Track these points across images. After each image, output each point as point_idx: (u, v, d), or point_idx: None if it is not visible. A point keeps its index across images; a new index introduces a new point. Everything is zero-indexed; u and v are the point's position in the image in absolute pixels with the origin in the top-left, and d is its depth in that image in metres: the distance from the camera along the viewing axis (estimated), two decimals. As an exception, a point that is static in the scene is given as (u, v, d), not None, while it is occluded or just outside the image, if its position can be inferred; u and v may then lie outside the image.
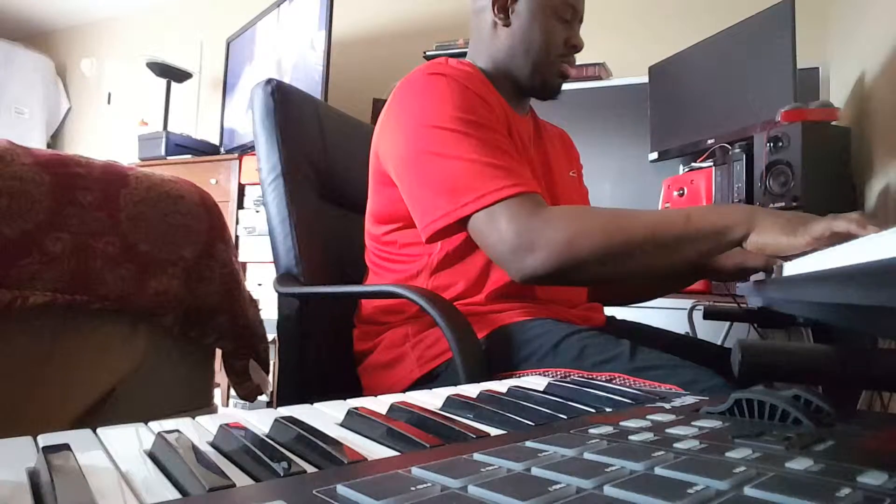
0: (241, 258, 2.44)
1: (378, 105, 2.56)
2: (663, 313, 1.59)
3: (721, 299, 1.51)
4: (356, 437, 0.35)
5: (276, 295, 1.04)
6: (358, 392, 0.98)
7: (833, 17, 2.02)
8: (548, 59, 0.99)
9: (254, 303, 1.17)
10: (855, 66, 1.65)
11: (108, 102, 3.93)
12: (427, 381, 0.89)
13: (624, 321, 1.13)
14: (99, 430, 0.33)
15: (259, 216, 2.63)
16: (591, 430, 0.34)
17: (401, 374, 0.91)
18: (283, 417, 0.34)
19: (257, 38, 2.96)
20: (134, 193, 0.96)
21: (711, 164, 1.69)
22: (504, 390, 0.47)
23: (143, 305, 0.95)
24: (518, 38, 0.98)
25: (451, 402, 0.43)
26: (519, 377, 0.73)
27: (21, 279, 0.82)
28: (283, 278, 1.04)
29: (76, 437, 0.31)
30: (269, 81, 1.09)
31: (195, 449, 0.28)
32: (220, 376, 1.23)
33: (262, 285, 2.47)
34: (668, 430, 0.33)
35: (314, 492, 0.24)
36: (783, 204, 1.36)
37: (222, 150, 3.06)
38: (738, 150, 1.55)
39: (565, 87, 1.05)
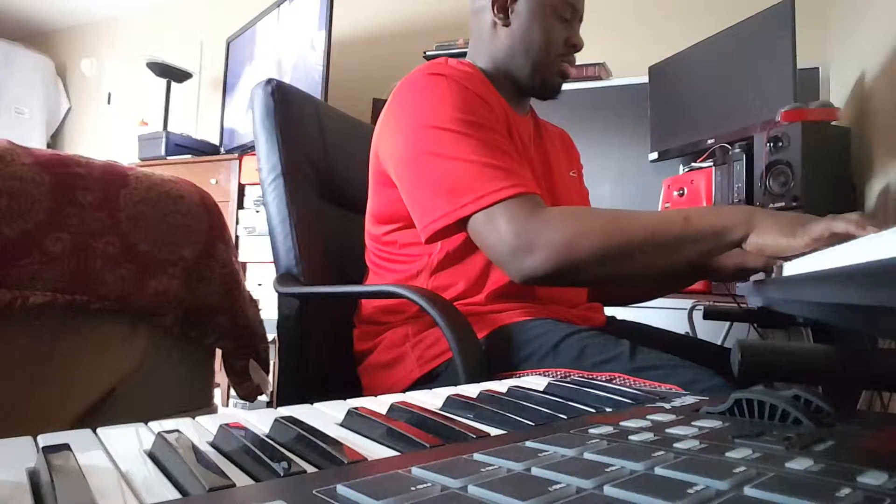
0: (241, 258, 2.44)
1: (378, 105, 2.56)
2: (663, 313, 1.59)
3: (721, 299, 1.51)
4: (356, 437, 0.35)
5: (276, 295, 1.04)
6: (358, 392, 0.98)
7: (833, 17, 2.02)
8: (548, 59, 0.99)
9: (254, 303, 1.17)
10: (855, 66, 1.65)
11: (108, 102, 3.94)
12: (427, 381, 0.89)
13: (624, 321, 1.13)
14: (99, 430, 0.33)
15: (259, 216, 2.63)
16: (591, 430, 0.34)
17: (401, 374, 0.91)
18: (283, 417, 0.34)
19: (257, 38, 2.96)
20: (134, 193, 0.96)
21: (711, 164, 1.69)
22: (504, 390, 0.47)
23: (143, 305, 0.95)
24: (518, 38, 0.98)
25: (451, 402, 0.43)
26: (519, 377, 0.73)
27: (21, 279, 0.82)
28: (283, 278, 1.04)
29: (76, 437, 0.31)
30: (269, 81, 1.09)
31: (195, 449, 0.28)
32: (220, 376, 1.23)
33: (262, 285, 2.47)
34: (668, 430, 0.33)
35: (314, 492, 0.24)
36: (783, 204, 1.36)
37: (222, 150, 3.06)
38: (738, 150, 1.55)
39: (565, 87, 1.05)
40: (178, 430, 0.32)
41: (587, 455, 0.28)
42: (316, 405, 0.42)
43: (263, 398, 1.33)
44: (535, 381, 0.56)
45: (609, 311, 1.12)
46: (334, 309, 1.09)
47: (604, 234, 0.76)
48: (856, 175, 1.52)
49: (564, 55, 1.00)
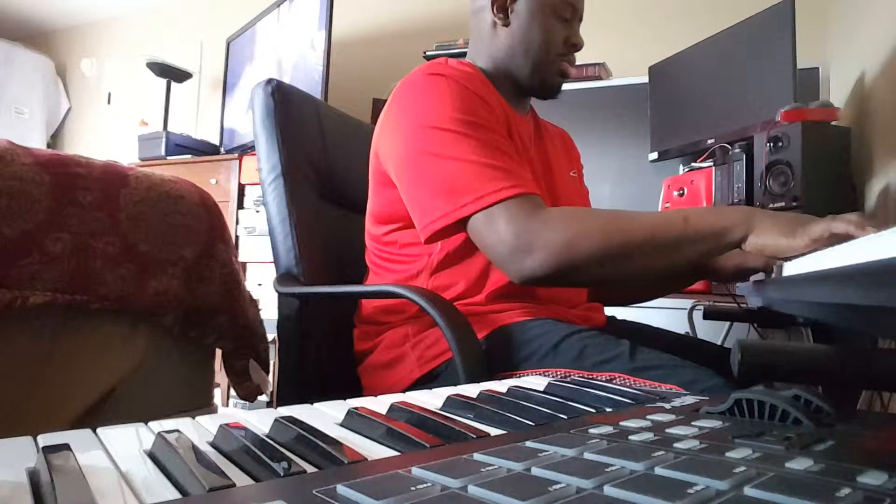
0: (241, 258, 2.44)
1: (378, 105, 2.56)
2: (663, 313, 1.59)
3: (721, 299, 1.51)
4: (356, 437, 0.35)
5: (276, 295, 1.04)
6: (358, 392, 0.98)
7: (833, 17, 2.02)
8: (547, 58, 0.99)
9: (254, 303, 1.17)
10: (855, 66, 1.65)
11: (108, 102, 3.94)
12: (427, 381, 0.89)
13: (624, 321, 1.13)
14: (99, 430, 0.33)
15: (259, 216, 2.63)
16: (592, 430, 0.34)
17: (401, 374, 0.91)
18: (283, 417, 0.34)
19: (257, 38, 2.96)
20: (134, 193, 0.96)
21: (711, 164, 1.69)
22: (504, 390, 0.47)
23: (143, 305, 0.95)
24: (517, 38, 0.98)
25: (451, 402, 0.43)
26: (519, 377, 0.73)
27: (21, 279, 0.82)
28: (283, 278, 1.04)
29: (76, 437, 0.31)
30: (269, 81, 1.09)
31: (195, 449, 0.28)
32: (220, 376, 1.23)
33: (262, 285, 2.47)
34: (668, 430, 0.33)
35: (314, 492, 0.24)
36: (783, 204, 1.36)
37: (222, 150, 3.06)
38: (738, 150, 1.55)
39: (565, 87, 1.05)
40: (178, 430, 0.32)
41: (587, 455, 0.28)
42: (316, 405, 0.42)
43: (263, 398, 1.33)
44: (535, 381, 0.56)
45: (609, 311, 1.12)
46: (334, 309, 1.09)
47: (603, 235, 0.76)
48: (856, 175, 1.52)
49: (564, 55, 1.00)
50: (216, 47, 3.32)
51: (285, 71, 2.71)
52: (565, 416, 0.39)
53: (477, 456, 0.28)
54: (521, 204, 0.79)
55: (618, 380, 0.75)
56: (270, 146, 1.07)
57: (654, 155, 1.97)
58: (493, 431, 0.36)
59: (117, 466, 0.28)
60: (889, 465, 0.25)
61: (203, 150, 3.03)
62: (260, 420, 0.36)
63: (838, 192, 1.41)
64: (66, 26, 4.18)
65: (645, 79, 1.99)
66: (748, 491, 0.23)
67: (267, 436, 0.32)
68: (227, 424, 0.33)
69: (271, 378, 1.23)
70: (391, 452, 0.32)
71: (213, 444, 0.32)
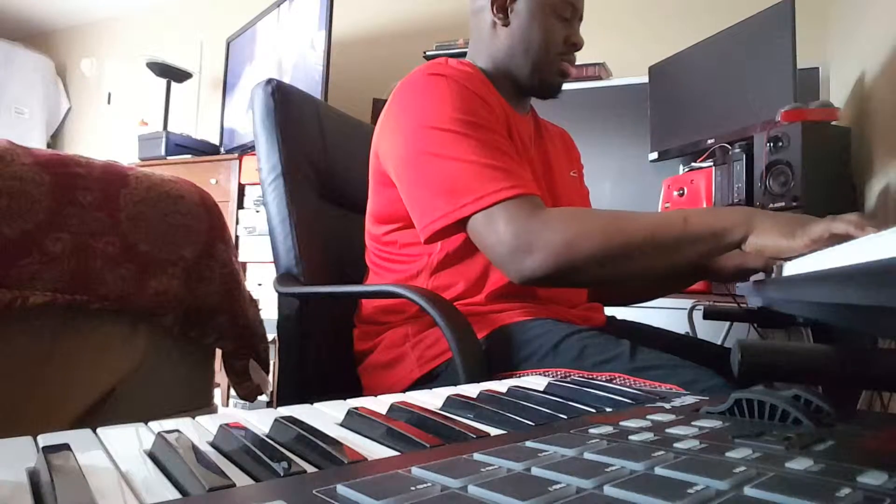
0: (241, 258, 2.44)
1: (378, 105, 2.56)
2: (663, 313, 1.59)
3: (721, 299, 1.51)
4: (356, 437, 0.35)
5: (276, 295, 1.04)
6: (358, 392, 0.98)
7: (833, 17, 2.02)
8: (547, 58, 0.99)
9: (254, 303, 1.17)
10: (855, 66, 1.65)
11: (108, 102, 3.93)
12: (427, 381, 0.89)
13: (624, 321, 1.13)
14: (99, 430, 0.33)
15: (259, 216, 2.63)
16: (592, 430, 0.34)
17: (401, 374, 0.91)
18: (283, 417, 0.34)
19: (257, 38, 2.96)
20: (134, 193, 0.96)
21: (711, 164, 1.69)
22: (504, 390, 0.47)
23: (143, 305, 0.95)
24: (517, 38, 0.98)
25: (451, 402, 0.43)
26: (519, 377, 0.73)
27: (21, 279, 0.82)
28: (283, 278, 1.04)
29: (76, 437, 0.31)
30: (269, 81, 1.09)
31: (195, 449, 0.28)
32: (220, 376, 1.23)
33: (262, 285, 2.47)
34: (668, 430, 0.33)
35: (314, 492, 0.24)
36: (783, 204, 1.36)
37: (222, 150, 3.06)
38: (738, 150, 1.55)
39: (565, 87, 1.05)
40: (178, 430, 0.32)
41: (587, 455, 0.28)
42: (316, 405, 0.42)
43: (263, 398, 1.33)
44: (535, 381, 0.56)
45: (609, 311, 1.12)
46: (334, 309, 1.09)
47: (603, 235, 0.76)
48: (856, 175, 1.52)
49: (564, 54, 1.00)
50: (216, 47, 3.32)
51: (285, 71, 2.71)
52: (565, 416, 0.39)
53: (477, 456, 0.28)
54: (520, 204, 0.79)
55: (618, 380, 0.75)
56: (270, 146, 1.07)
57: (654, 155, 1.97)
58: (493, 431, 0.36)
59: (117, 466, 0.28)
60: (889, 465, 0.25)
61: (203, 150, 3.03)
62: (260, 420, 0.36)
63: (838, 192, 1.41)
64: (66, 26, 4.18)
65: (645, 79, 1.99)
66: (748, 491, 0.23)
67: (267, 436, 0.32)
68: (227, 424, 0.33)
69: (271, 378, 1.23)
70: (391, 452, 0.32)
71: (213, 444, 0.32)
